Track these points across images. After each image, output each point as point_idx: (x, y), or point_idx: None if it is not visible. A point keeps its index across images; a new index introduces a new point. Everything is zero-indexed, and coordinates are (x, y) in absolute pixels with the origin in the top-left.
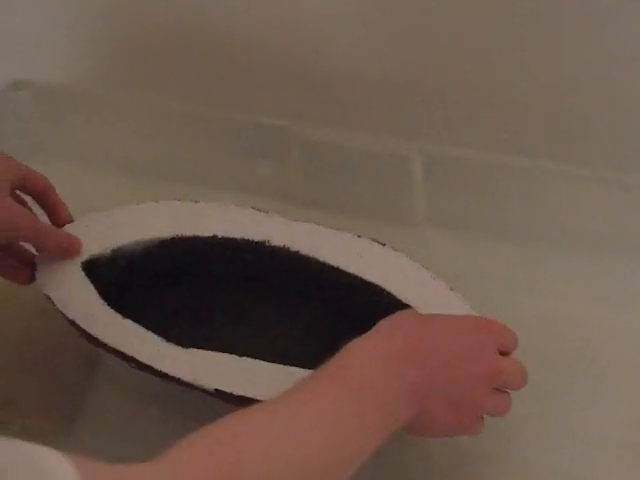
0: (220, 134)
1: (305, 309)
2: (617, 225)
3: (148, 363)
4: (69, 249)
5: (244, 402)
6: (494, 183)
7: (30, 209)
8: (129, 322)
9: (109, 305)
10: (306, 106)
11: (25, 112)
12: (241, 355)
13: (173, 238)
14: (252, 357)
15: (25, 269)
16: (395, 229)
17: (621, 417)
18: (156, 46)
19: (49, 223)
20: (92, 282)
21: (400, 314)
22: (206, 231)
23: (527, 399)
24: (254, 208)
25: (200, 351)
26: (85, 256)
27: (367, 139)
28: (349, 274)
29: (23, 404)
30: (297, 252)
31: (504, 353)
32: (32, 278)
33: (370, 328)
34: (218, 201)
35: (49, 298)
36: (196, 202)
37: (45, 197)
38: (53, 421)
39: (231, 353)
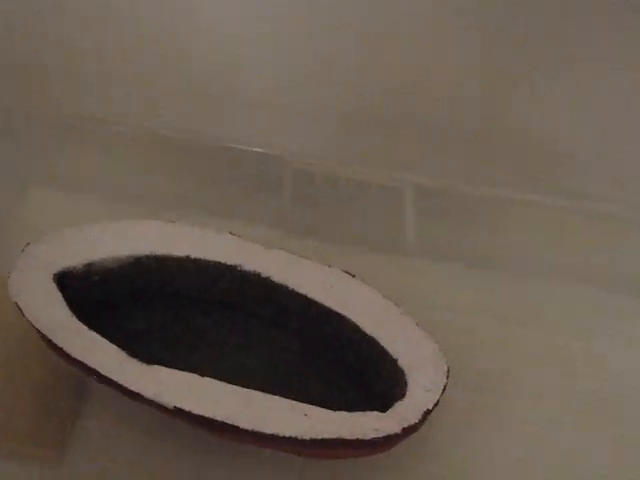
0: (210, 161)
1: (273, 336)
2: (613, 259)
3: (110, 376)
4: None
5: (203, 422)
6: (485, 215)
7: None
8: (94, 334)
9: (79, 318)
10: (297, 136)
11: (9, 138)
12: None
13: (147, 256)
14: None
15: None
16: (385, 258)
17: (609, 453)
18: (138, 71)
19: None
20: (63, 295)
21: None
22: (180, 251)
23: (511, 433)
24: (231, 233)
25: (162, 368)
26: (58, 268)
27: (358, 169)
28: (318, 304)
29: (12, 429)
30: (268, 278)
31: None
32: None
33: (336, 358)
34: (198, 224)
35: (18, 306)
36: (173, 222)
37: None
38: (43, 447)
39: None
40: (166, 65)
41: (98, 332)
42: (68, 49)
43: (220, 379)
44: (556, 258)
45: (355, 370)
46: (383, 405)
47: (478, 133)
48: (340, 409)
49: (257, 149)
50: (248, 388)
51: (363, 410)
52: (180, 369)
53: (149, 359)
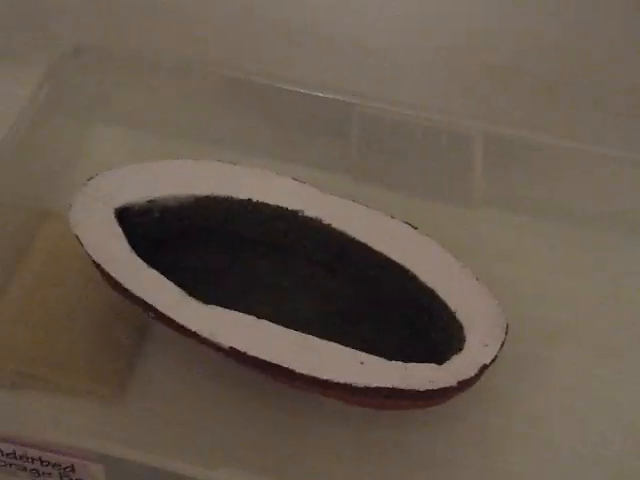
0: (278, 104)
1: (329, 282)
2: None
3: (167, 314)
4: None
5: (258, 364)
6: (556, 167)
7: None
8: (153, 272)
9: (137, 254)
10: (367, 82)
11: (83, 76)
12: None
13: (208, 196)
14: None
15: None
16: (451, 208)
17: None
18: (212, 11)
19: None
20: (123, 230)
21: None
22: (241, 193)
23: (575, 387)
24: (293, 178)
25: (220, 308)
26: (120, 203)
27: (428, 117)
28: (377, 252)
29: (74, 367)
30: (329, 225)
31: None
32: None
33: (392, 308)
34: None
35: (78, 239)
36: (235, 164)
37: None
38: (103, 385)
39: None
40: (239, 5)
41: (156, 268)
42: None
43: (274, 321)
44: (624, 210)
45: (410, 321)
46: (437, 357)
47: (551, 83)
48: (393, 359)
49: (325, 94)
50: (301, 331)
51: (416, 361)
52: (235, 309)
53: (203, 299)
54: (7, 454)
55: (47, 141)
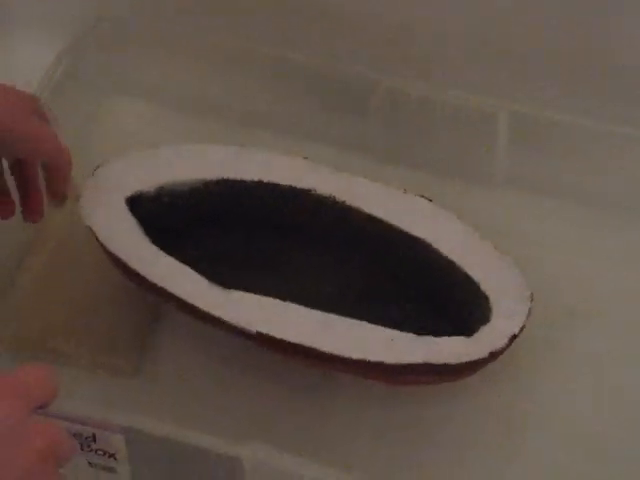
0: (298, 79)
1: (347, 260)
2: None
3: (190, 301)
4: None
5: (286, 347)
6: (580, 148)
7: None
8: (171, 259)
9: (151, 242)
10: (391, 57)
11: (104, 48)
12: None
13: (218, 180)
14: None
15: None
16: (473, 188)
17: None
18: None
19: None
20: (135, 218)
21: None
22: (252, 175)
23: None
24: (304, 158)
25: (241, 293)
26: (130, 191)
27: (453, 93)
28: (394, 227)
29: (93, 341)
30: (343, 202)
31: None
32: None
33: (411, 284)
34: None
35: (91, 230)
36: (243, 146)
37: None
38: (121, 359)
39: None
40: None
41: (170, 254)
42: None
43: (292, 301)
44: None
45: (431, 295)
46: (462, 329)
47: (579, 66)
48: (415, 333)
49: (349, 67)
50: (321, 309)
51: (439, 335)
52: (251, 291)
53: (220, 281)
54: None
55: (64, 113)
